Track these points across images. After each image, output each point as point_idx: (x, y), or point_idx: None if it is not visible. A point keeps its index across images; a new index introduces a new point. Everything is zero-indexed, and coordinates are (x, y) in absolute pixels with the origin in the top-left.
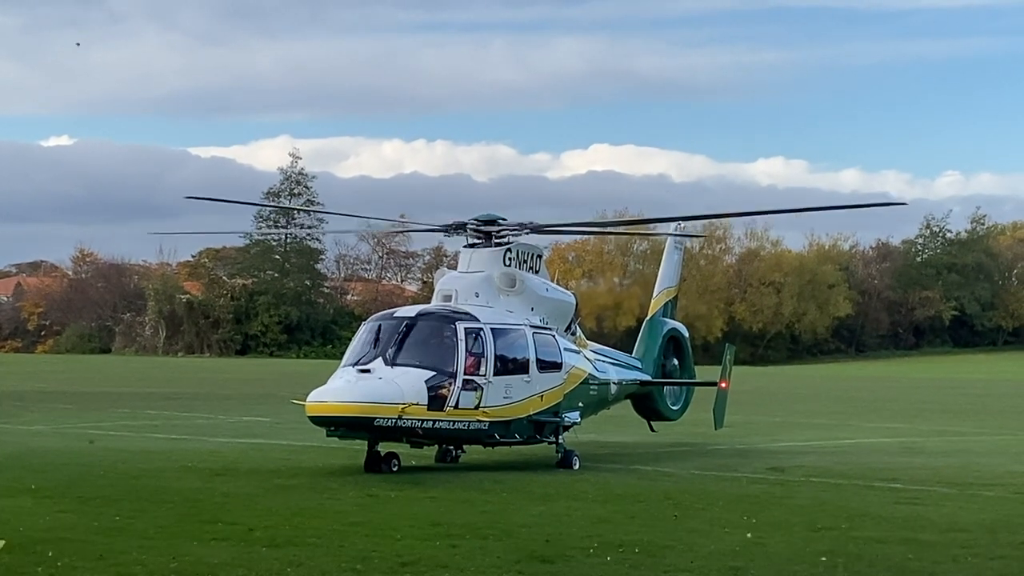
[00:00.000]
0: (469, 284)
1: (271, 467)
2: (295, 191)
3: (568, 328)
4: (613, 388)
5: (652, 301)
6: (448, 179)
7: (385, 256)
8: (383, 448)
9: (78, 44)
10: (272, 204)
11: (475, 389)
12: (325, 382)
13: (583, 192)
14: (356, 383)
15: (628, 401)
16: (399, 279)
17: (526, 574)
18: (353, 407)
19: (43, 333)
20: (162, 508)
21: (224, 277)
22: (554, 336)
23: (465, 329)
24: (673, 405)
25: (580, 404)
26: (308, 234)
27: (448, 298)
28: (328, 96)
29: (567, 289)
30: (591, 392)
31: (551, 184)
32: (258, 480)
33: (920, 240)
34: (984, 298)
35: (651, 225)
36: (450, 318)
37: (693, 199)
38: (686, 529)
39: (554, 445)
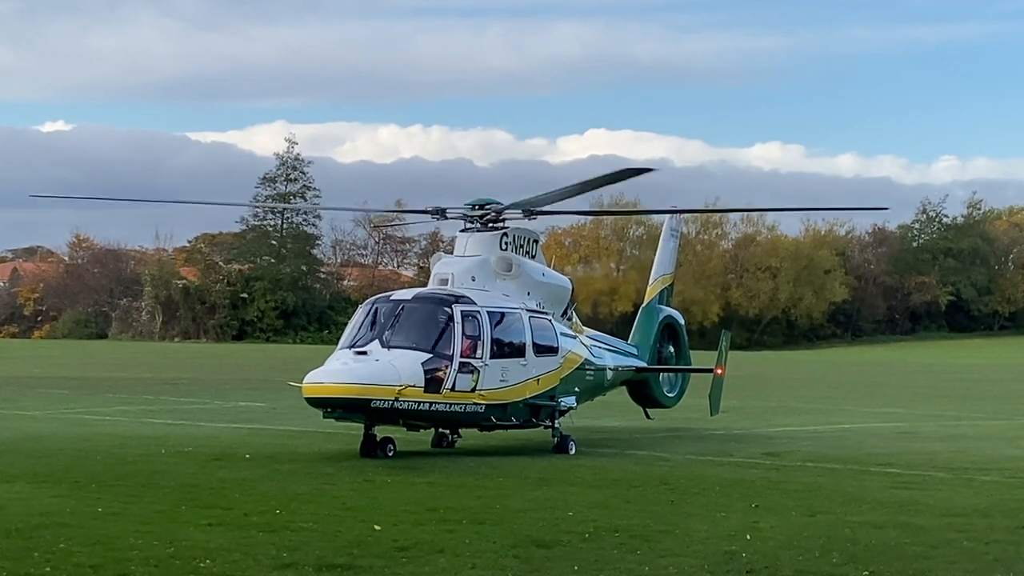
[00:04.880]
0: (466, 268)
1: (268, 452)
2: (291, 176)
3: (564, 313)
4: (609, 374)
5: (648, 288)
6: (449, 164)
7: (381, 241)
8: (379, 433)
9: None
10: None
11: (472, 372)
12: (322, 365)
13: (584, 176)
14: (353, 365)
15: (624, 388)
16: (395, 264)
17: (522, 559)
18: (350, 388)
19: (39, 319)
20: (158, 493)
21: (220, 263)
22: (550, 320)
23: (462, 312)
24: (669, 392)
25: (576, 389)
26: (304, 219)
27: (444, 282)
28: (324, 81)
29: (563, 274)
30: (587, 377)
31: (553, 169)
32: (254, 465)
33: (917, 225)
34: (980, 283)
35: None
36: (447, 301)
37: (695, 184)
38: (682, 514)
39: (550, 430)
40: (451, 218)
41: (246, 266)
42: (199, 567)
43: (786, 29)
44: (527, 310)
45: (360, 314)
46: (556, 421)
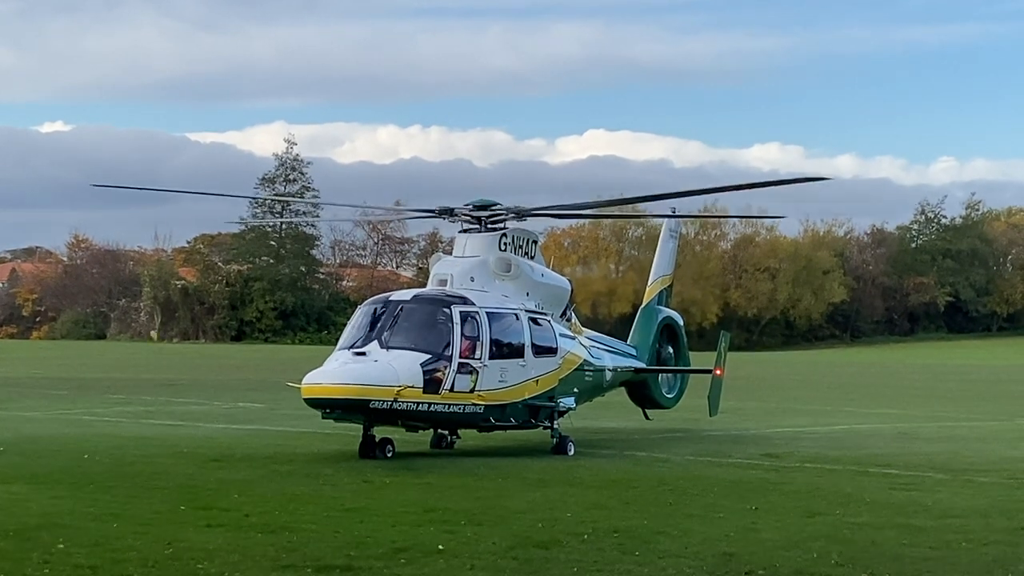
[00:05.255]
0: (464, 269)
1: (266, 453)
2: (290, 177)
3: (563, 314)
4: (608, 375)
5: (647, 289)
6: (449, 164)
7: (380, 242)
8: (378, 433)
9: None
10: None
11: (470, 372)
12: (321, 366)
13: (584, 177)
14: (351, 365)
15: (623, 389)
16: (394, 265)
17: (521, 560)
18: (348, 389)
19: (38, 319)
20: (157, 494)
21: (219, 263)
22: (549, 321)
23: (460, 312)
24: (668, 393)
25: (575, 390)
26: (304, 220)
27: (443, 282)
28: (323, 81)
29: (562, 275)
30: (586, 378)
31: (552, 169)
32: (253, 466)
33: (915, 226)
34: (979, 284)
35: (645, 209)
36: (445, 302)
37: (694, 185)
38: (681, 515)
39: (549, 431)
40: (453, 220)
41: (245, 267)
42: (197, 568)
43: (786, 29)
44: (526, 311)
45: (359, 315)
46: (555, 422)
